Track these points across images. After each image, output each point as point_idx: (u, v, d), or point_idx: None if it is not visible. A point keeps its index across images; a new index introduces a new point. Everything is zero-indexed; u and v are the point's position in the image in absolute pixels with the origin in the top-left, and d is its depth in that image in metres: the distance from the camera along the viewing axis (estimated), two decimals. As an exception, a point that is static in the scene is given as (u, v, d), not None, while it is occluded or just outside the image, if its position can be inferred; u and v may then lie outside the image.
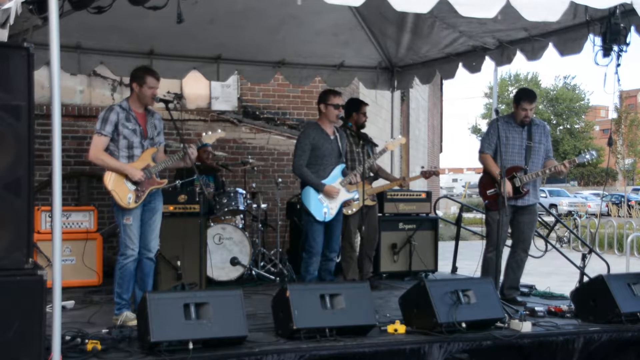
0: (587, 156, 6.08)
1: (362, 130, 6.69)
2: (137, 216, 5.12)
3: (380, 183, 7.19)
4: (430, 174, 7.20)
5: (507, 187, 5.85)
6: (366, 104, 6.92)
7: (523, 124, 6.01)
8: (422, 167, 7.50)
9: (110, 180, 5.07)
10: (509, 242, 6.23)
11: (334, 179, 6.01)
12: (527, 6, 4.22)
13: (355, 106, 6.84)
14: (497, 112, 5.99)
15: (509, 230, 6.18)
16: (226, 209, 7.22)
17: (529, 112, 5.95)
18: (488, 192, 6.09)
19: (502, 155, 5.81)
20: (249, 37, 7.05)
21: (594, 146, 52.49)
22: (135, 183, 5.08)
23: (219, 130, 5.60)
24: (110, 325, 4.65)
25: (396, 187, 7.22)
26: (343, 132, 6.30)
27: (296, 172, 6.05)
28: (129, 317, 4.99)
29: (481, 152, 6.17)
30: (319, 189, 5.90)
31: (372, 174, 6.98)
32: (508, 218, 5.95)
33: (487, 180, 6.12)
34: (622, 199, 23.44)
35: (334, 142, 6.06)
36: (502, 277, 6.05)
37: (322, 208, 5.91)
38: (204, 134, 5.56)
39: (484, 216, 6.29)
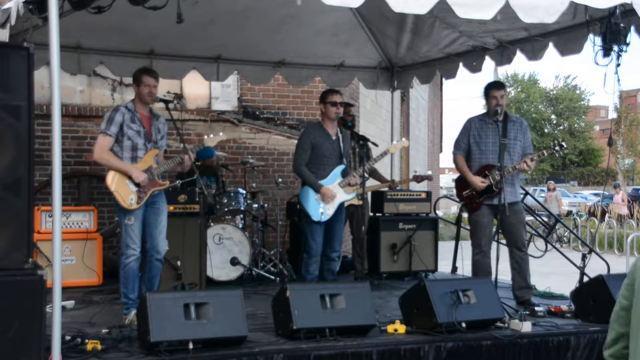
0: (557, 147, 6.00)
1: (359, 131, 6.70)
2: (139, 216, 5.12)
3: (371, 184, 7.21)
4: (422, 178, 7.30)
5: (477, 181, 5.89)
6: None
7: (497, 115, 5.92)
8: (415, 172, 7.53)
9: (112, 181, 5.07)
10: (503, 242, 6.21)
11: (333, 179, 6.00)
12: (525, 7, 4.22)
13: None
14: (496, 112, 5.98)
15: (494, 230, 6.17)
16: (226, 209, 7.22)
17: (500, 100, 5.94)
18: (463, 193, 6.09)
19: (479, 154, 5.91)
20: (249, 37, 7.05)
21: (594, 146, 52.57)
22: (137, 184, 5.09)
23: (221, 134, 5.62)
24: (111, 325, 4.65)
25: (397, 187, 7.27)
26: (347, 133, 6.29)
27: (295, 170, 6.06)
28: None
29: (453, 152, 6.22)
30: (316, 189, 5.91)
31: (366, 175, 7.00)
32: (491, 217, 5.94)
33: (462, 182, 6.13)
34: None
35: (335, 143, 6.04)
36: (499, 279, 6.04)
37: (319, 208, 5.90)
38: (205, 136, 5.56)
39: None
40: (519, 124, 6.08)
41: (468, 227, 6.38)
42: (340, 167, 6.05)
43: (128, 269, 5.08)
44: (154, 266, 5.25)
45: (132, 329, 4.50)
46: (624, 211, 19.47)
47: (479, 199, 5.96)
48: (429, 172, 7.67)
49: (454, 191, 6.68)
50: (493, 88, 6.05)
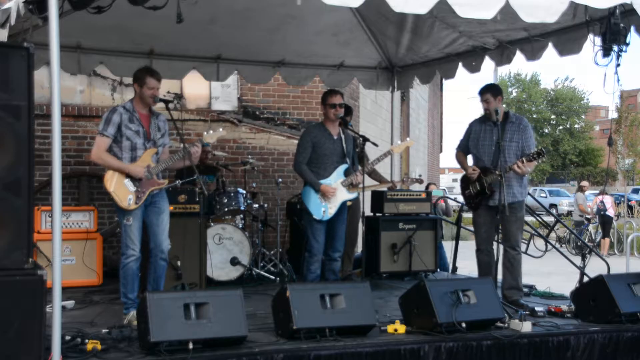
0: (535, 155, 5.91)
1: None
2: (138, 217, 5.10)
3: (369, 183, 7.22)
4: (412, 182, 7.36)
5: (469, 170, 5.99)
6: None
7: (490, 119, 5.94)
8: (406, 174, 7.61)
9: (110, 181, 5.05)
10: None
11: (336, 178, 6.00)
12: (526, 7, 4.22)
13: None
14: (497, 112, 5.96)
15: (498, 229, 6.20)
16: (226, 209, 7.22)
17: (485, 104, 5.95)
18: (465, 192, 6.15)
19: (476, 156, 5.96)
20: (249, 37, 7.05)
21: (594, 146, 52.53)
22: (135, 184, 5.08)
23: (220, 130, 5.59)
24: (111, 325, 4.65)
25: (397, 188, 7.32)
26: (350, 133, 6.28)
27: (296, 169, 6.08)
28: (135, 317, 4.99)
29: (455, 149, 6.33)
30: (316, 187, 5.90)
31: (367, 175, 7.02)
32: (488, 217, 5.93)
33: (464, 181, 6.19)
34: (622, 199, 23.46)
35: (337, 142, 6.02)
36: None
37: (321, 207, 5.90)
38: (205, 133, 5.55)
39: None
40: (517, 124, 5.97)
41: (468, 228, 6.40)
42: (344, 167, 6.04)
43: (127, 269, 5.07)
44: (159, 266, 5.23)
45: (132, 329, 4.50)
46: None
47: (475, 199, 5.99)
48: (420, 175, 7.72)
49: (454, 191, 6.72)
50: (479, 93, 6.04)
